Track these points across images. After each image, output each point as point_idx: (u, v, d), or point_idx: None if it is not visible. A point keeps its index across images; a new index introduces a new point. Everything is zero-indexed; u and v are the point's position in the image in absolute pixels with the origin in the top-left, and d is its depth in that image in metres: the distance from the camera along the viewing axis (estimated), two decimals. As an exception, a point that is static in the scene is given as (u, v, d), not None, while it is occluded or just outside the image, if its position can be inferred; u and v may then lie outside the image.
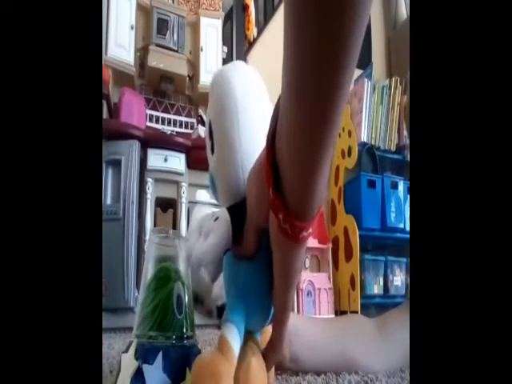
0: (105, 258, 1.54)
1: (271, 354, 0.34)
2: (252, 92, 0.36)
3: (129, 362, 0.34)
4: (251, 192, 0.31)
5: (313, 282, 1.97)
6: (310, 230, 0.28)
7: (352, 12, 0.19)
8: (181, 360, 0.35)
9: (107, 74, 1.86)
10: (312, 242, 2.05)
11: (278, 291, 0.31)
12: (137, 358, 0.34)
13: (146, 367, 0.33)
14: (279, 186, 0.27)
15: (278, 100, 0.27)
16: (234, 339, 0.29)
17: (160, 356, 0.34)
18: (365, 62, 2.38)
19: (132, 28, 2.08)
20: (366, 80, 2.10)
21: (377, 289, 1.98)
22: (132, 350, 0.34)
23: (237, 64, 0.38)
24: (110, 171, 1.69)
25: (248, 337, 0.33)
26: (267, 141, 0.28)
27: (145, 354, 0.34)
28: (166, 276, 0.37)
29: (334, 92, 0.22)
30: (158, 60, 2.11)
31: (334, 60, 0.21)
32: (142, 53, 2.20)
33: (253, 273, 0.32)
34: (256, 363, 0.31)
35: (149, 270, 0.38)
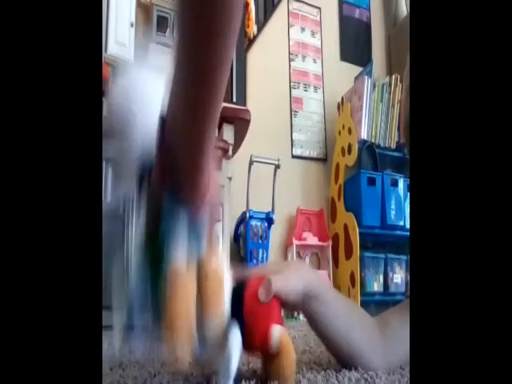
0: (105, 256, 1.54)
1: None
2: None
3: None
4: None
5: (313, 280, 1.97)
6: None
7: None
8: None
9: (107, 72, 1.86)
10: (312, 240, 2.05)
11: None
12: None
13: None
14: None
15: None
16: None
17: None
18: (365, 60, 2.38)
19: (132, 25, 2.07)
20: (366, 78, 2.10)
21: (377, 286, 1.98)
22: None
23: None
24: (110, 169, 1.69)
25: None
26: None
27: None
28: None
29: (212, 58, 0.30)
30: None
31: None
32: (142, 50, 2.19)
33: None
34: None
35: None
